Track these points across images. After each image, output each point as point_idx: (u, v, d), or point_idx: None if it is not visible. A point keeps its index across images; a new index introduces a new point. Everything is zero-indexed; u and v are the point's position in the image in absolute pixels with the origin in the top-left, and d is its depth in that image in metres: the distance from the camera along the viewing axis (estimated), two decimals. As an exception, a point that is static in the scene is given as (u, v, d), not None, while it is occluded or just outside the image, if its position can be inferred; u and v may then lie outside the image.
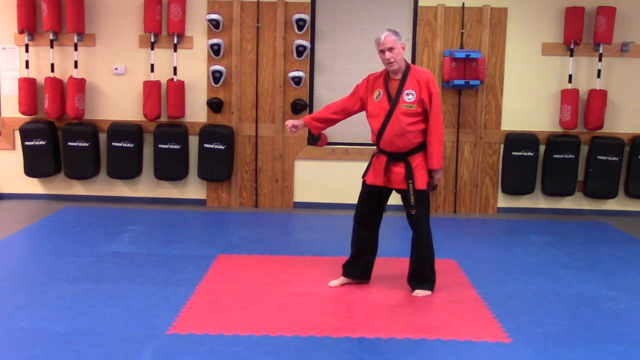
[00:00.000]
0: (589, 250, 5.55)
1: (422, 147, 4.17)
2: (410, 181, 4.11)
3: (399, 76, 4.13)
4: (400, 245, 5.75)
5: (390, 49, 4.05)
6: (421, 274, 4.30)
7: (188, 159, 6.88)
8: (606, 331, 3.78)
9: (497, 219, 6.75)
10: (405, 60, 4.18)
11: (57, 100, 6.68)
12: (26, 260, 5.05)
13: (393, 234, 6.25)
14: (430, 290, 4.29)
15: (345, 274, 4.42)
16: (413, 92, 4.08)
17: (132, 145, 6.74)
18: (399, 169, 4.15)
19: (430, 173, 4.19)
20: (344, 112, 4.37)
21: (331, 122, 4.44)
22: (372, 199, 4.28)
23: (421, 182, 4.15)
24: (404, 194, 4.19)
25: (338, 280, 4.42)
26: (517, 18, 6.76)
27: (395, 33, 4.10)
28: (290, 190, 6.95)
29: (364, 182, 4.34)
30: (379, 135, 4.17)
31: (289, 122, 4.42)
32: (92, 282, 4.37)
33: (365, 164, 6.91)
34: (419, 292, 4.27)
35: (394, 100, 4.11)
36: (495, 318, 3.91)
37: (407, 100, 4.08)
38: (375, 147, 4.30)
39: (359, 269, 4.40)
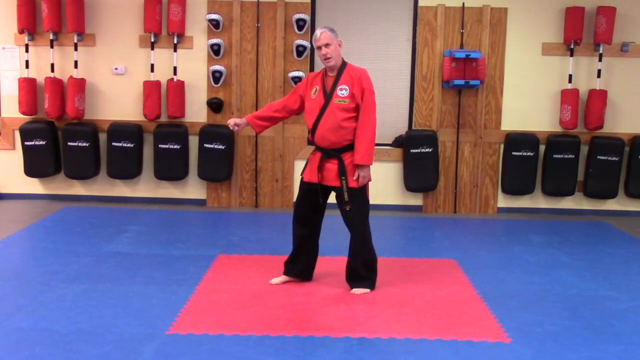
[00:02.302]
0: (589, 250, 5.55)
1: None
2: (343, 177, 4.13)
3: (335, 73, 4.19)
4: (400, 245, 5.75)
5: (327, 45, 4.12)
6: (356, 273, 4.30)
7: (188, 159, 6.89)
8: (606, 331, 3.78)
9: (497, 219, 6.75)
10: (343, 59, 4.23)
11: (57, 100, 6.68)
12: (26, 260, 5.05)
13: (392, 234, 6.26)
14: (368, 288, 4.29)
15: (286, 272, 4.45)
16: (346, 87, 4.13)
17: (132, 145, 6.74)
18: (332, 166, 4.18)
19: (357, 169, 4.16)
20: (285, 110, 4.41)
21: (273, 120, 4.49)
22: (310, 197, 4.28)
23: (354, 181, 4.15)
24: (337, 191, 4.20)
25: (279, 278, 4.45)
26: (517, 18, 6.76)
27: (332, 30, 4.18)
28: (290, 190, 6.95)
29: (301, 179, 4.36)
30: (313, 130, 4.22)
31: (231, 121, 4.42)
32: (92, 282, 4.37)
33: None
34: (357, 291, 4.28)
35: (328, 95, 4.16)
36: (495, 318, 3.91)
37: (341, 95, 4.13)
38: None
39: (299, 267, 4.43)
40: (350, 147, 4.15)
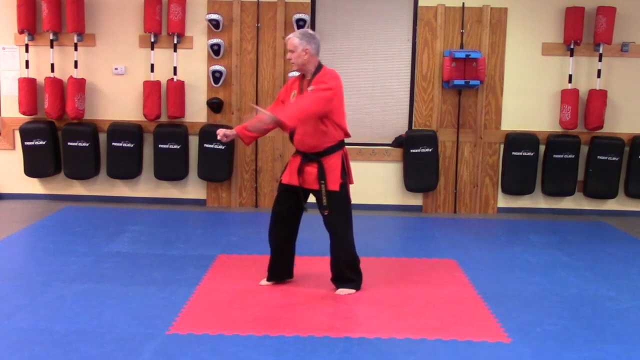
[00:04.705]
0: (589, 250, 5.55)
1: (336, 149, 4.16)
2: (322, 182, 4.12)
3: (310, 76, 4.18)
4: (400, 245, 5.75)
5: (291, 51, 4.13)
6: (341, 274, 4.29)
7: (188, 159, 6.89)
8: (606, 331, 3.78)
9: (497, 219, 6.75)
10: (320, 63, 4.20)
11: (57, 100, 6.68)
12: (26, 260, 5.05)
13: (392, 234, 6.26)
14: (354, 288, 4.29)
15: (270, 278, 4.43)
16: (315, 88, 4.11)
17: (132, 145, 6.74)
18: (312, 169, 4.16)
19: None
20: None
21: (262, 131, 4.39)
22: (287, 199, 4.26)
23: (334, 184, 4.13)
24: (317, 194, 4.18)
25: (266, 282, 4.44)
26: (517, 18, 6.76)
27: (302, 36, 4.13)
28: (290, 190, 6.94)
29: (280, 182, 4.35)
30: (291, 134, 4.20)
31: (220, 131, 4.27)
32: (92, 282, 4.37)
33: (364, 165, 6.88)
34: (342, 291, 4.27)
35: None
36: (495, 318, 3.91)
37: None
38: None
39: (281, 271, 4.43)
40: (329, 151, 4.14)
